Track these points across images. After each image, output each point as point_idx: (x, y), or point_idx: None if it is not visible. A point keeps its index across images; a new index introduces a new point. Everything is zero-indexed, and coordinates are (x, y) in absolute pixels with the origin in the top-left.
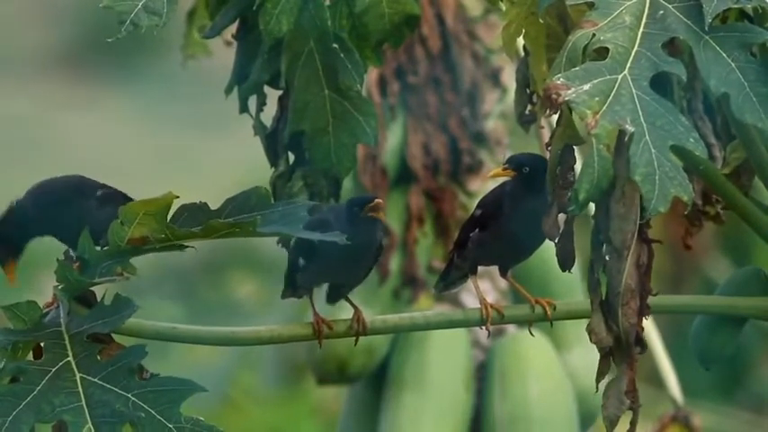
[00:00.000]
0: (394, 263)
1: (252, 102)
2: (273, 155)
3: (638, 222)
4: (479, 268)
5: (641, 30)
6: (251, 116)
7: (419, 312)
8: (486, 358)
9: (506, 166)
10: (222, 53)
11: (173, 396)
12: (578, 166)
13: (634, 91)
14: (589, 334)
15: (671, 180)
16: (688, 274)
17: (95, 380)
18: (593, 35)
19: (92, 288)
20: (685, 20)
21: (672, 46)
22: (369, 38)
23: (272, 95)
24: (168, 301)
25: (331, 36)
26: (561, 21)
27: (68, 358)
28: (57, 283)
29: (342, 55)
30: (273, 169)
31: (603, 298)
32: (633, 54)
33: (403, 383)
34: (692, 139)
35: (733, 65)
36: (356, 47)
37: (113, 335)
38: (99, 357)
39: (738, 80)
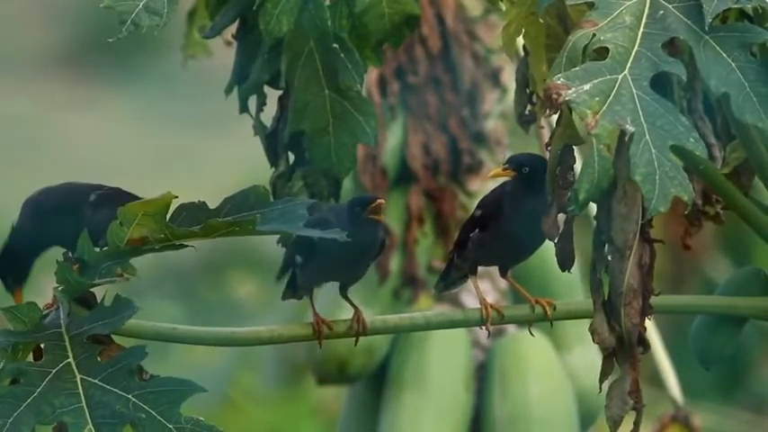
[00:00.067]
0: (394, 263)
1: (252, 102)
2: (273, 155)
3: (639, 222)
4: (479, 268)
5: (641, 30)
6: (251, 116)
7: (419, 313)
8: (486, 358)
9: (506, 166)
10: (222, 53)
11: (173, 397)
12: (578, 166)
13: (634, 91)
14: (592, 334)
15: (671, 180)
16: (688, 274)
17: (96, 381)
18: (594, 35)
19: (92, 289)
20: (685, 20)
21: (672, 46)
22: (369, 38)
23: (272, 95)
24: (168, 302)
25: (331, 36)
26: (561, 21)
27: (69, 359)
28: (57, 285)
29: (342, 55)
30: (273, 169)
31: (606, 298)
32: (633, 54)
33: (403, 383)
34: (692, 139)
35: (733, 65)
36: (356, 47)
37: (113, 336)
38: (99, 358)
39: (738, 80)
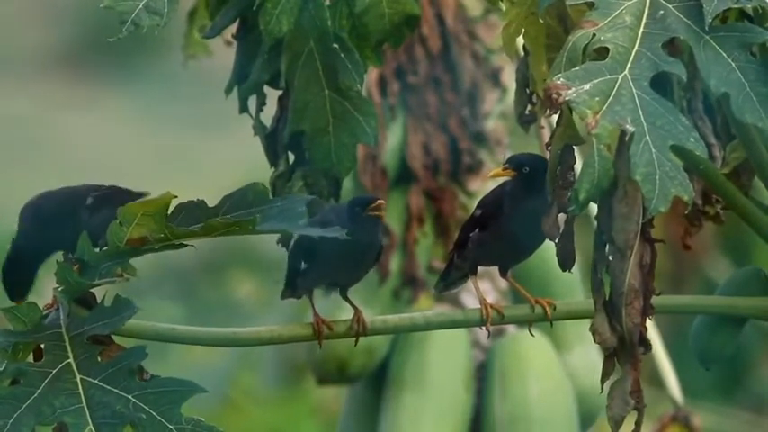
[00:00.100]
0: (394, 263)
1: (252, 102)
2: (273, 155)
3: (640, 222)
4: (479, 268)
5: (641, 30)
6: (251, 116)
7: (419, 313)
8: (486, 358)
9: (506, 166)
10: (222, 53)
11: (173, 397)
12: (578, 166)
13: (634, 91)
14: (593, 334)
15: (671, 180)
16: (688, 274)
17: (96, 381)
18: (594, 35)
19: (91, 290)
20: (685, 20)
21: (672, 46)
22: (369, 38)
23: (272, 95)
24: (168, 301)
25: (331, 36)
26: (561, 21)
27: (69, 360)
28: (57, 285)
29: (342, 55)
30: (273, 169)
31: (607, 298)
32: (633, 54)
33: (403, 383)
34: (692, 139)
35: (733, 65)
36: (356, 47)
37: (113, 336)
38: (99, 359)
39: (738, 80)
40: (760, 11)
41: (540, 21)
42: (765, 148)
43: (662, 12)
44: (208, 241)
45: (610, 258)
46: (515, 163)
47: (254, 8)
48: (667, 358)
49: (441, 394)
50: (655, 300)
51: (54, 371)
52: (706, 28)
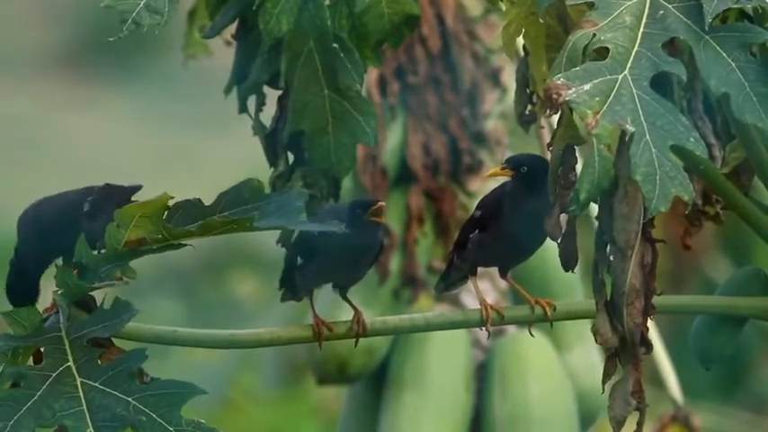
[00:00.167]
0: (394, 263)
1: (251, 102)
2: (273, 155)
3: (641, 222)
4: (479, 269)
5: (641, 30)
6: (250, 116)
7: (419, 314)
8: (486, 358)
9: (504, 165)
10: (222, 53)
11: (173, 399)
12: (579, 166)
13: (634, 91)
14: (594, 335)
15: (672, 180)
16: (688, 274)
17: (96, 384)
18: (594, 35)
19: (91, 292)
20: (685, 20)
21: (672, 46)
22: (368, 38)
23: (272, 95)
24: (168, 301)
25: (331, 36)
26: (561, 21)
27: (69, 363)
28: (56, 289)
29: (341, 55)
30: (273, 169)
31: (608, 298)
32: (633, 54)
33: (403, 383)
34: (692, 139)
35: (733, 65)
36: (356, 47)
37: (113, 339)
38: (99, 362)
39: (738, 80)
40: (760, 11)
41: (540, 21)
42: (765, 148)
43: (662, 12)
44: (207, 240)
45: (611, 258)
46: (513, 163)
47: (254, 8)
48: (667, 358)
49: (441, 394)
50: (655, 300)
51: (54, 374)
52: (706, 28)
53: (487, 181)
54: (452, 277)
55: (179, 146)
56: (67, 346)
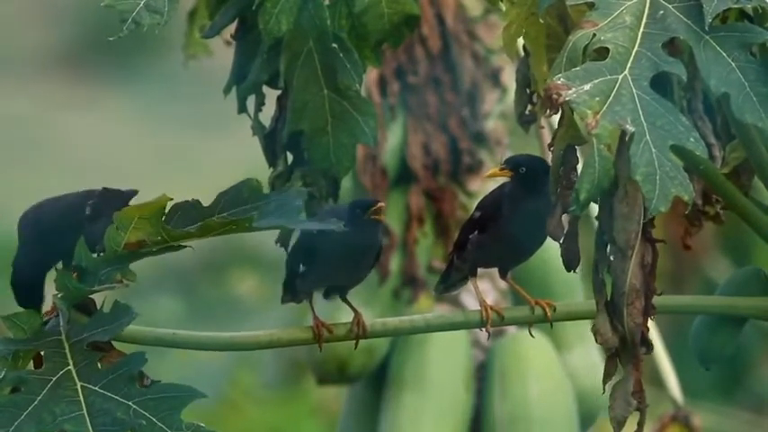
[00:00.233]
0: (394, 263)
1: (251, 102)
2: (272, 155)
3: (641, 222)
4: (479, 269)
5: (641, 30)
6: (249, 116)
7: (419, 315)
8: (486, 358)
9: (503, 166)
10: (222, 53)
11: (173, 403)
12: (580, 166)
13: (634, 91)
14: (594, 335)
15: (672, 180)
16: (688, 274)
17: (96, 388)
18: (594, 35)
19: (91, 296)
20: (685, 20)
21: (672, 46)
22: (368, 38)
23: (271, 95)
24: (169, 300)
25: (330, 36)
26: (561, 21)
27: (69, 367)
28: (56, 292)
29: (341, 55)
30: (272, 169)
31: (608, 298)
32: (633, 54)
33: (403, 383)
34: (692, 139)
35: (733, 65)
36: (355, 47)
37: (113, 341)
38: (99, 365)
39: (738, 80)
40: (760, 11)
41: (541, 21)
42: (765, 148)
43: (662, 12)
44: (207, 239)
45: (611, 258)
46: (512, 163)
47: (254, 8)
48: (667, 358)
49: (441, 394)
50: (655, 300)
51: (54, 378)
52: (706, 28)
53: (487, 181)
54: (452, 278)
55: (179, 146)
56: (67, 350)
